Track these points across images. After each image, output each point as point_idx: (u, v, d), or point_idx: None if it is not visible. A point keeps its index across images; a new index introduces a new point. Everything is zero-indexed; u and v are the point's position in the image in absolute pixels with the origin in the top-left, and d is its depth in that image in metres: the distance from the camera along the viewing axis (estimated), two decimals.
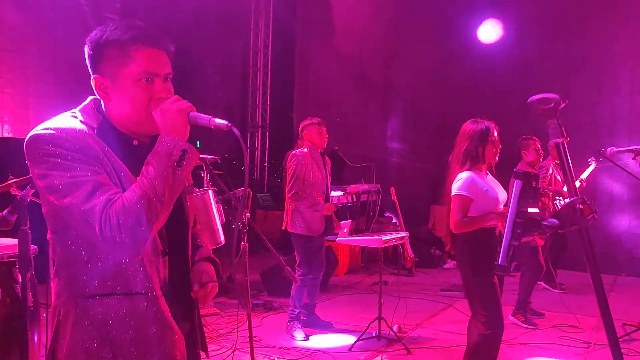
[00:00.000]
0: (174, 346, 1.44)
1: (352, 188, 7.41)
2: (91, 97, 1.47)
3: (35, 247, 2.39)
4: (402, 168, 8.87)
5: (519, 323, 4.96)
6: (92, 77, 1.42)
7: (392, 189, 7.04)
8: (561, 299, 5.30)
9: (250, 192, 4.74)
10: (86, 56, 1.43)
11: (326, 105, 9.34)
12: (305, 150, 4.64)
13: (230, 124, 1.35)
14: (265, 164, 9.75)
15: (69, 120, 1.38)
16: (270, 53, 9.74)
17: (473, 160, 3.25)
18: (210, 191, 3.84)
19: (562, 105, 1.03)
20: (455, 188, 3.20)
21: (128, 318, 1.38)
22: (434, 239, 7.89)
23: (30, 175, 1.35)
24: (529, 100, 1.07)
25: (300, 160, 4.56)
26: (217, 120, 1.35)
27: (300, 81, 9.74)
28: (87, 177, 1.30)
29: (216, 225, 3.93)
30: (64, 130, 1.34)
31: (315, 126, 4.65)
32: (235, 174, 8.89)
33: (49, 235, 1.45)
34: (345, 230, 4.73)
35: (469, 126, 3.34)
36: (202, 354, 1.69)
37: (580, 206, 1.00)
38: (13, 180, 3.46)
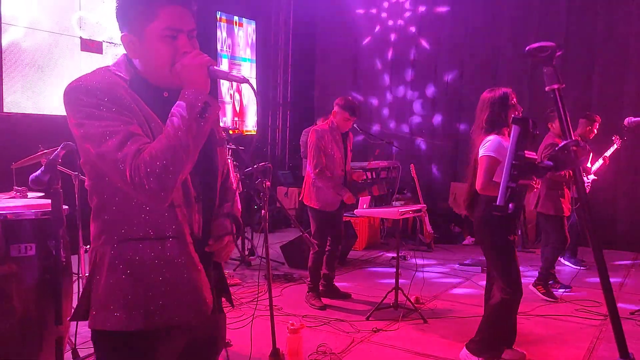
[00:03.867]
0: (202, 288, 1.53)
1: (372, 164, 7.49)
2: (123, 53, 1.55)
3: (67, 207, 2.52)
4: (423, 145, 8.88)
5: (539, 294, 4.98)
6: (121, 34, 1.50)
7: (412, 166, 7.09)
8: (581, 275, 5.30)
9: (271, 167, 4.84)
10: (115, 16, 1.51)
11: (346, 83, 9.37)
12: (327, 127, 4.73)
13: (245, 78, 1.45)
14: (287, 142, 9.84)
15: (103, 72, 1.48)
16: (291, 31, 9.76)
17: (497, 127, 3.29)
18: (228, 160, 3.99)
19: (558, 53, 1.08)
20: (484, 150, 3.23)
21: (161, 260, 1.46)
22: (453, 215, 7.92)
23: (68, 123, 1.42)
24: (526, 48, 1.12)
25: (320, 135, 4.65)
26: (234, 73, 1.46)
27: (322, 59, 9.77)
28: (119, 127, 1.37)
29: None
30: (98, 81, 1.42)
31: (346, 114, 4.67)
32: (257, 152, 9.02)
33: (86, 183, 1.53)
34: (364, 207, 4.82)
35: (487, 95, 3.38)
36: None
37: (574, 148, 1.06)
38: (43, 152, 3.63)
